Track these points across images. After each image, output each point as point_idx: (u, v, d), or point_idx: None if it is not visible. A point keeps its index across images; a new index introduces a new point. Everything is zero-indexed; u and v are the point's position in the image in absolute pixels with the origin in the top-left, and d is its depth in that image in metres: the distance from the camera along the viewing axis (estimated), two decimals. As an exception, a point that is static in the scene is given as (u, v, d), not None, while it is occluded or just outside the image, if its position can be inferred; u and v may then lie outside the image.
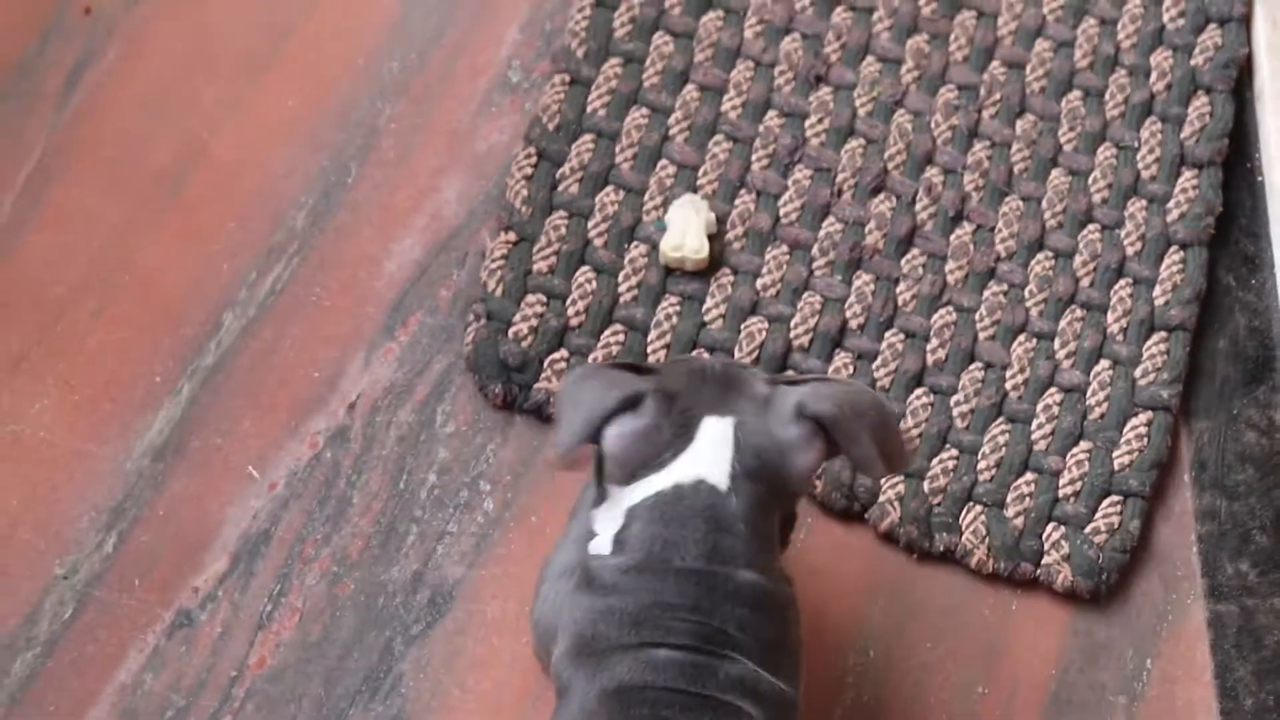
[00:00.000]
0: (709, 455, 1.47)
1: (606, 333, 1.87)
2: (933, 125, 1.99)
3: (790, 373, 1.85)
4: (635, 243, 1.91)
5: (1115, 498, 1.84)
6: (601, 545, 1.49)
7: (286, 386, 1.84)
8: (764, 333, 1.88)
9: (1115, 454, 1.86)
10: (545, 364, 1.85)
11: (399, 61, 2.00)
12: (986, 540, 1.81)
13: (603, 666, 1.43)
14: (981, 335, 1.90)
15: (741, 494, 1.46)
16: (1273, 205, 1.98)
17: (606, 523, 1.50)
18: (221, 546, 1.78)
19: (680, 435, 1.47)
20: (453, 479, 1.82)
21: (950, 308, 1.91)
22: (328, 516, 1.79)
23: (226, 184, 1.93)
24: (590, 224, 1.92)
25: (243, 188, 1.93)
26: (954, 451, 1.85)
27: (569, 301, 1.88)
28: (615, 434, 1.47)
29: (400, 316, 1.88)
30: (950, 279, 1.92)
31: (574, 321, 1.87)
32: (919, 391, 1.87)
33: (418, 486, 1.81)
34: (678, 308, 1.88)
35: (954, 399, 1.87)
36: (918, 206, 1.95)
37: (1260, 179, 2.01)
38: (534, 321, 1.86)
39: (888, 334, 1.89)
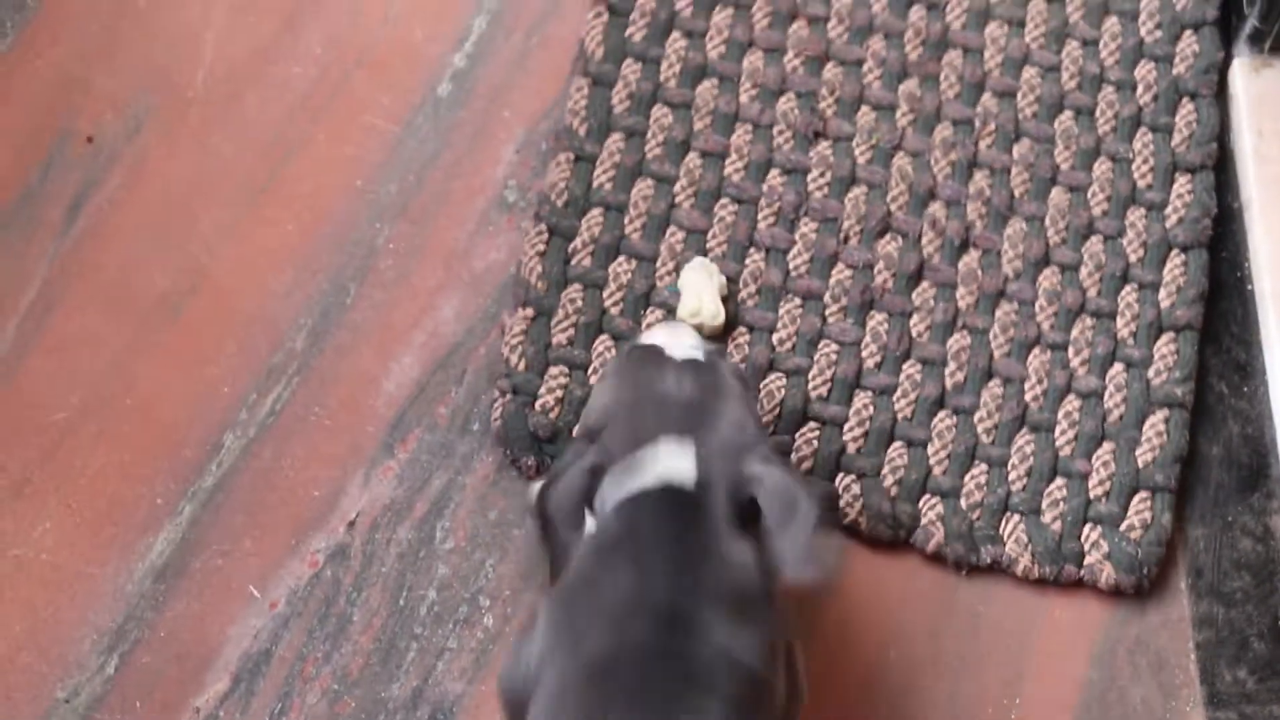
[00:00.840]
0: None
1: None
2: (932, 162, 2.05)
3: None
4: (651, 308, 1.95)
5: (1144, 494, 1.89)
6: None
7: (287, 505, 1.86)
8: (783, 390, 1.92)
9: (1138, 452, 1.91)
10: (574, 433, 1.86)
11: (397, 183, 2.03)
12: (1029, 547, 1.87)
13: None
14: (997, 353, 1.95)
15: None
16: (1263, 313, 2.00)
17: None
18: (223, 666, 1.79)
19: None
20: (453, 595, 1.82)
21: (965, 331, 1.96)
22: (328, 634, 1.80)
23: (226, 307, 1.95)
24: (605, 294, 1.96)
25: (242, 310, 1.95)
26: (984, 466, 1.90)
27: (590, 370, 1.91)
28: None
29: (399, 434, 1.90)
30: (962, 304, 1.97)
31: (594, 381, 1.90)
32: (941, 414, 1.92)
33: (418, 603, 1.82)
34: None
35: (977, 416, 1.92)
36: (924, 241, 2.00)
37: (1250, 287, 2.03)
38: (559, 393, 1.90)
39: (905, 366, 1.95)
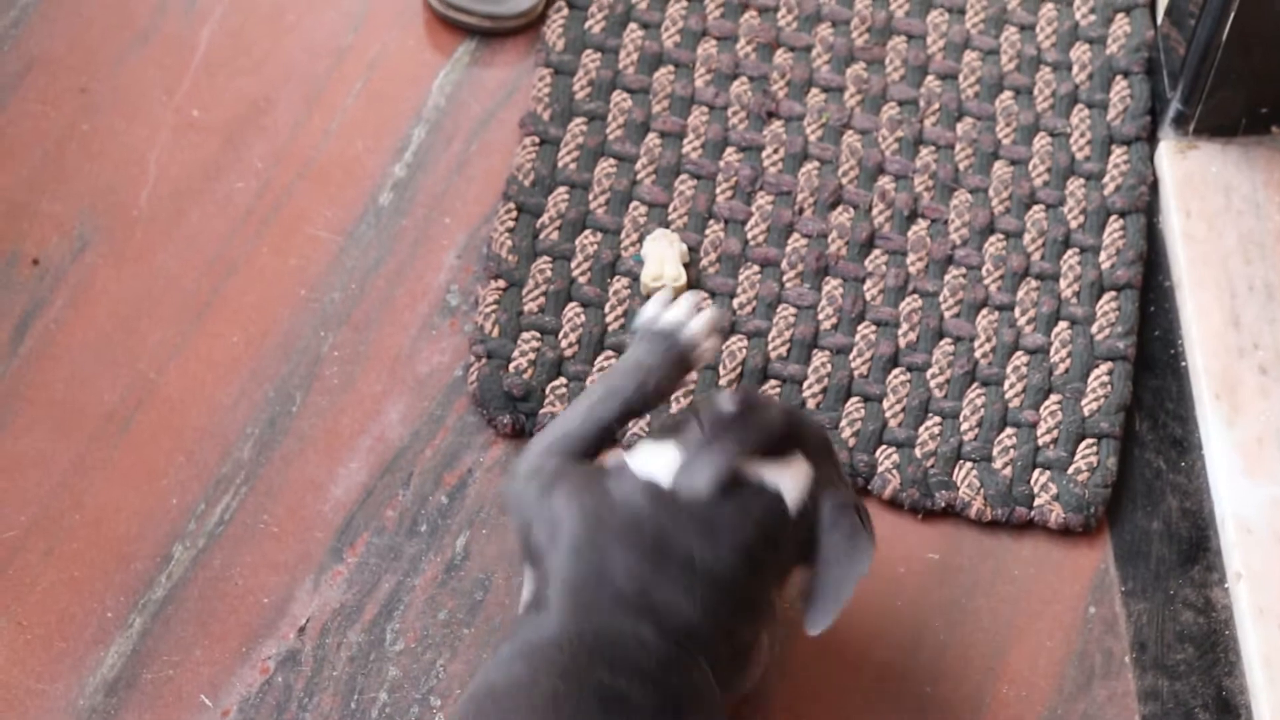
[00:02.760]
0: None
1: (599, 359, 2.01)
2: (880, 140, 2.17)
3: None
4: (617, 276, 2.06)
5: (1090, 440, 1.99)
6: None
7: (237, 614, 1.87)
8: (744, 350, 2.03)
9: (1084, 402, 2.02)
10: (548, 391, 1.98)
11: (341, 292, 2.06)
12: (981, 491, 1.96)
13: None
14: (947, 315, 2.06)
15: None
16: (1196, 389, 2.03)
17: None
18: (176, 776, 1.79)
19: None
20: (404, 696, 1.83)
21: (915, 295, 2.07)
22: (281, 740, 1.81)
23: (174, 420, 1.97)
24: (573, 264, 2.07)
25: (190, 423, 1.97)
26: (937, 419, 2.00)
27: (561, 335, 2.02)
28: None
29: (348, 539, 1.91)
30: (912, 270, 2.09)
31: (568, 352, 2.01)
32: (896, 371, 2.03)
33: (369, 705, 1.83)
34: None
35: (929, 373, 2.03)
36: (874, 212, 2.12)
37: (1183, 364, 2.06)
38: (531, 356, 2.00)
39: (860, 327, 2.05)
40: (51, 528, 1.90)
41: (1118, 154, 2.18)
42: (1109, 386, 2.03)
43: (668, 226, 2.09)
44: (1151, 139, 2.20)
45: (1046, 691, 1.88)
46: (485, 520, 1.93)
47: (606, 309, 2.04)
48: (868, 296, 2.06)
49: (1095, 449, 1.99)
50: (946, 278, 2.09)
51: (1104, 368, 2.04)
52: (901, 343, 2.04)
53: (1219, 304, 2.06)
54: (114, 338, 2.02)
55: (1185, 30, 2.13)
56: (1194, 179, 2.14)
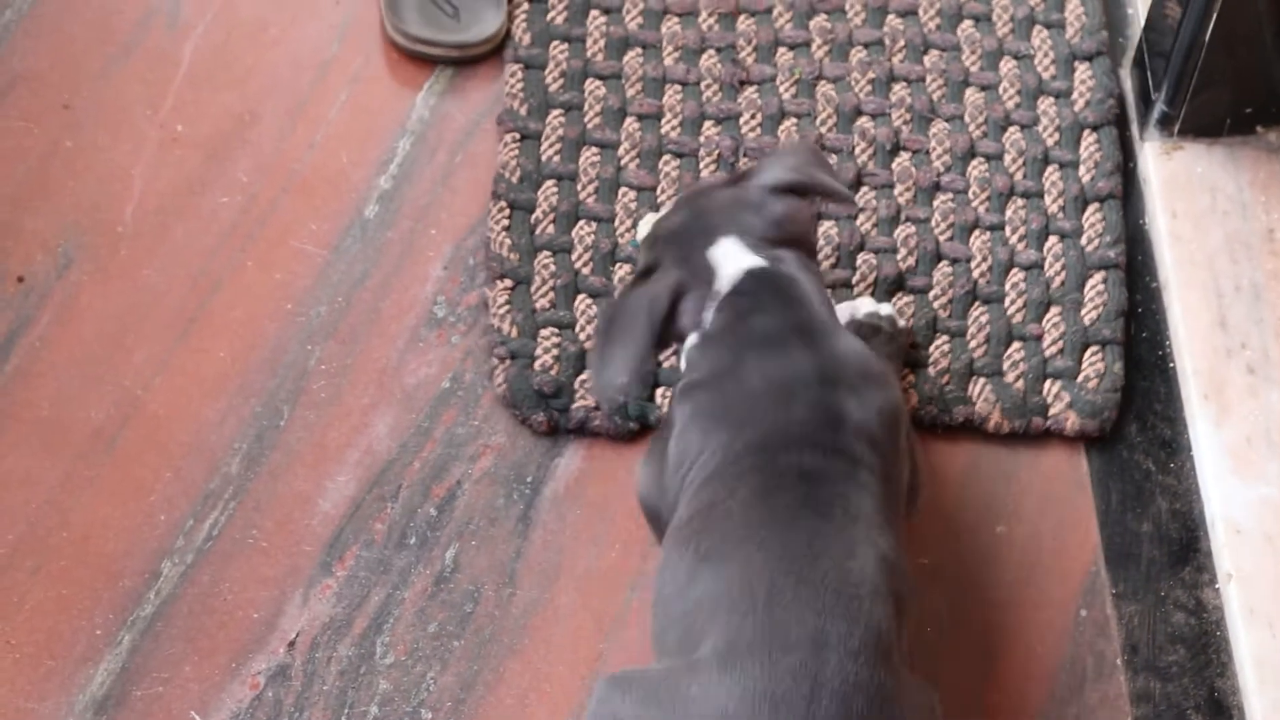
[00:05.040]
0: (734, 268, 1.76)
1: None
2: (852, 83, 2.21)
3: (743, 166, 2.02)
4: (618, 264, 2.08)
5: (1094, 348, 2.05)
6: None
7: (226, 629, 1.86)
8: None
9: (1083, 312, 2.08)
10: (576, 385, 2.00)
11: (327, 305, 2.05)
12: (997, 405, 2.02)
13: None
14: (941, 239, 2.11)
15: (777, 259, 1.77)
16: (1185, 390, 2.03)
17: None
18: (167, 793, 1.79)
19: (707, 278, 1.76)
20: (394, 709, 1.83)
21: (908, 223, 2.12)
22: (271, 756, 1.80)
23: (161, 437, 1.97)
24: (574, 256, 2.09)
25: (177, 439, 1.97)
26: (945, 338, 2.06)
27: (578, 328, 2.04)
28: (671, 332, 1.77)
29: (337, 552, 1.91)
30: (901, 200, 2.14)
31: (588, 345, 2.03)
32: (900, 295, 2.08)
33: (360, 719, 1.82)
34: None
35: (932, 294, 2.08)
36: (857, 151, 2.16)
37: (1172, 365, 2.06)
38: (555, 351, 2.02)
39: (860, 256, 2.10)
40: (39, 546, 1.89)
41: (1082, 70, 2.24)
42: (1105, 295, 2.08)
43: (657, 209, 2.10)
44: (1112, 53, 2.25)
45: (1038, 697, 1.87)
46: (474, 532, 1.93)
47: (615, 297, 2.04)
48: (862, 230, 2.11)
49: (1100, 356, 2.05)
50: (935, 203, 2.14)
51: (1098, 277, 2.10)
52: (902, 267, 2.09)
53: (1206, 304, 2.06)
54: (100, 355, 2.01)
55: (1169, 31, 2.13)
56: (1180, 180, 2.14)
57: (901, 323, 2.01)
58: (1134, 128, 2.20)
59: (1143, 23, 2.20)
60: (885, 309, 1.99)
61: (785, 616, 1.54)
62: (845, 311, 1.98)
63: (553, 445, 1.99)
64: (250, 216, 2.12)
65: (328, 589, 1.89)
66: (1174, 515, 1.98)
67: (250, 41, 2.25)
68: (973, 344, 2.05)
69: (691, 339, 1.76)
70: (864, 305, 1.99)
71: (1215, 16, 2.03)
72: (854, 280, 2.08)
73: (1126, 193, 2.16)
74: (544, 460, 1.98)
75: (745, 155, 2.15)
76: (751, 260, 1.76)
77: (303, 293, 2.07)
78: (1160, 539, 1.96)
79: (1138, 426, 2.03)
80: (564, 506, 1.95)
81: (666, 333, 1.76)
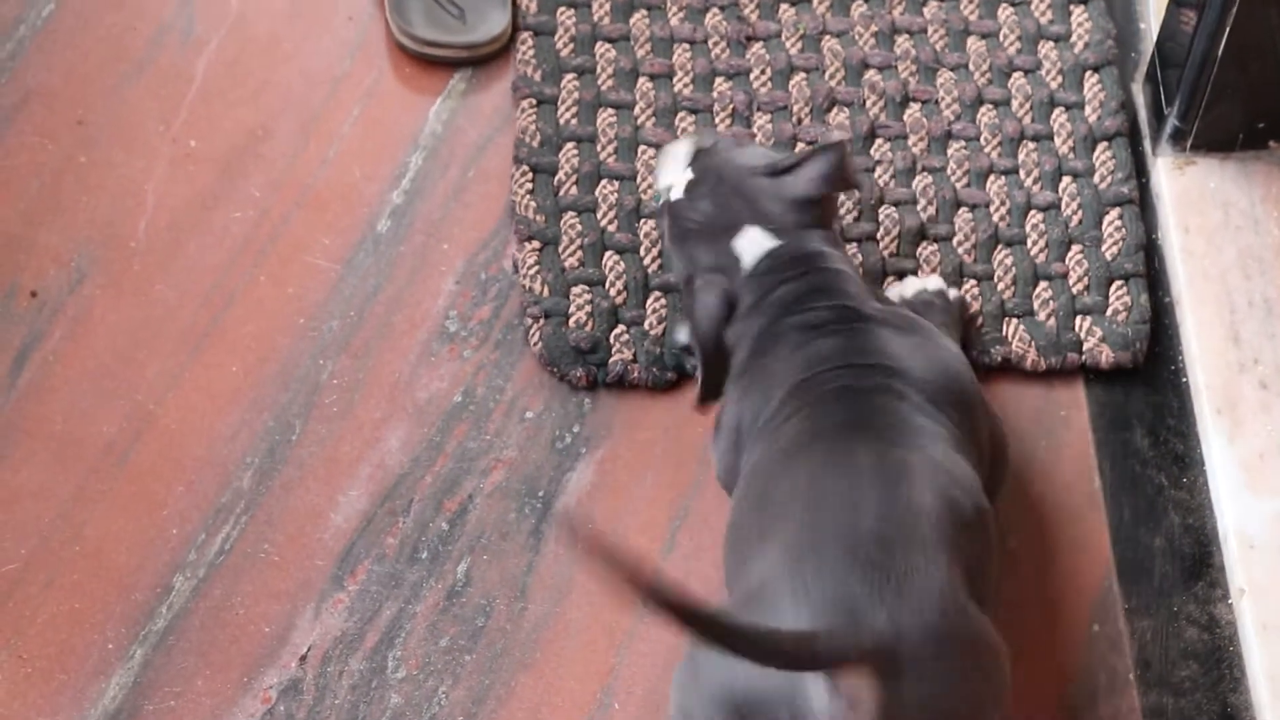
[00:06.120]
0: (756, 252, 1.85)
1: (649, 301, 2.08)
2: (857, 38, 2.25)
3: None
4: (642, 220, 2.12)
5: (1119, 283, 2.11)
6: None
7: (238, 643, 1.86)
8: None
9: (1104, 248, 2.13)
10: (612, 339, 2.04)
11: (339, 319, 2.06)
12: (1032, 344, 2.07)
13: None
14: (959, 186, 2.16)
15: (798, 239, 1.86)
16: (1198, 405, 2.02)
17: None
18: (178, 807, 1.79)
19: (736, 267, 1.85)
20: (406, 724, 1.83)
21: (925, 173, 2.17)
22: (283, 770, 1.80)
23: (173, 451, 1.97)
24: (599, 215, 2.12)
25: (190, 453, 1.97)
26: (973, 282, 2.10)
27: (608, 285, 2.08)
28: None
29: (349, 566, 1.91)
30: (915, 151, 2.18)
31: (619, 300, 2.07)
32: (924, 244, 2.12)
33: (371, 734, 1.83)
34: None
35: (955, 240, 2.12)
36: (867, 104, 2.20)
37: (1184, 380, 2.05)
38: (587, 309, 2.06)
39: (881, 211, 2.14)
40: (51, 560, 1.90)
41: (1078, 14, 2.28)
42: (1123, 230, 2.13)
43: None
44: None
45: (1050, 712, 1.87)
46: (486, 546, 1.93)
47: (643, 253, 2.10)
48: (880, 182, 2.14)
49: (1125, 290, 2.09)
50: (949, 152, 2.18)
51: (1114, 213, 2.14)
52: (924, 217, 2.13)
53: (1219, 319, 2.05)
54: (112, 369, 2.02)
55: (1182, 45, 2.12)
56: (1192, 195, 2.14)
57: (954, 294, 2.03)
58: (1146, 143, 2.20)
59: (1155, 37, 2.20)
60: (933, 283, 2.03)
61: (832, 547, 1.55)
62: (893, 295, 2.01)
63: (564, 459, 1.99)
64: (263, 231, 2.12)
65: (339, 603, 1.89)
66: (1186, 530, 1.97)
67: (263, 57, 2.25)
68: (1001, 286, 2.10)
69: None
70: (910, 285, 2.03)
71: (1229, 30, 2.02)
72: (878, 234, 2.12)
73: (1141, 205, 2.17)
74: (555, 475, 1.98)
75: (759, 109, 2.19)
76: (771, 243, 1.84)
77: (315, 307, 2.07)
78: (1173, 554, 1.96)
79: (1150, 441, 2.02)
80: (576, 521, 1.95)
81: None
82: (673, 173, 1.94)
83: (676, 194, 1.91)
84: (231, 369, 2.03)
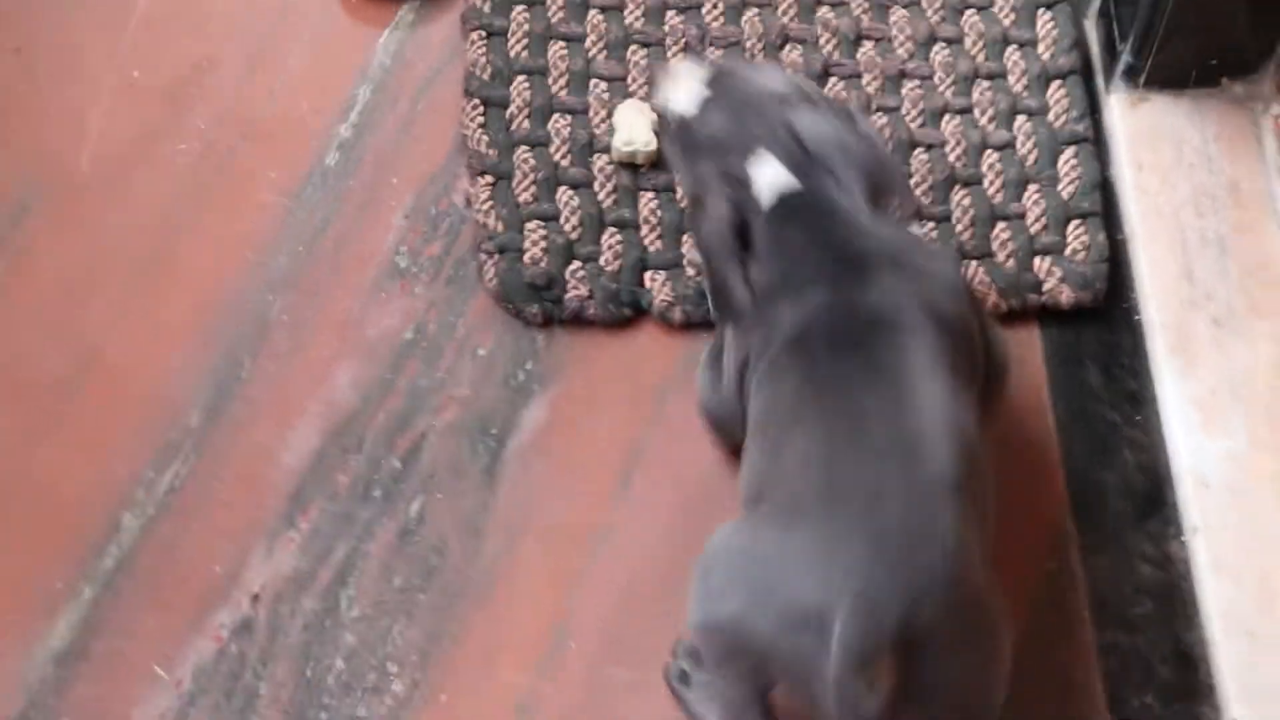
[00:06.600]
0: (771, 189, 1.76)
1: (605, 237, 2.04)
2: None
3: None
4: (596, 155, 2.09)
5: (1077, 221, 2.09)
6: None
7: (188, 583, 1.84)
8: None
9: (1060, 187, 2.11)
10: (567, 275, 2.01)
11: (288, 255, 2.03)
12: (993, 286, 2.05)
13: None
14: (913, 126, 2.14)
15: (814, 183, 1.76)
16: (1151, 342, 2.02)
17: None
18: (130, 748, 1.77)
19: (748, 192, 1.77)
20: (360, 663, 1.81)
21: (879, 112, 2.14)
22: (236, 710, 1.79)
23: (121, 387, 1.94)
24: (552, 149, 2.09)
25: (137, 390, 1.94)
26: (931, 224, 2.09)
27: (562, 220, 2.05)
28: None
29: (300, 505, 1.89)
30: (870, 89, 2.16)
31: (574, 235, 2.04)
32: None
33: (325, 673, 1.81)
34: (656, 201, 2.07)
35: (913, 182, 2.11)
36: (821, 42, 2.18)
37: (1137, 318, 2.05)
38: (542, 244, 2.03)
39: None
40: (-2, 498, 1.87)
41: None
42: (1078, 169, 2.12)
43: (629, 98, 2.12)
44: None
45: (1005, 648, 1.87)
46: (439, 485, 1.91)
47: (596, 188, 2.07)
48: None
49: (1083, 228, 2.08)
50: (904, 91, 2.16)
51: (1069, 152, 2.13)
52: None
53: (1172, 257, 2.05)
54: (58, 305, 1.99)
55: (1135, -18, 2.12)
56: (1145, 132, 2.13)
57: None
58: (1099, 80, 2.19)
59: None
60: None
61: (841, 473, 1.57)
62: None
63: (518, 396, 1.97)
64: (209, 164, 2.09)
65: (291, 542, 1.87)
66: (1140, 468, 1.97)
67: (208, -15, 2.22)
68: (959, 228, 2.08)
69: None
70: None
71: (1184, -32, 2.02)
72: None
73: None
74: (509, 412, 1.96)
75: (712, 44, 2.17)
76: (791, 183, 1.76)
77: (264, 242, 2.04)
78: (1126, 492, 1.96)
79: (1103, 379, 2.02)
80: (530, 459, 1.94)
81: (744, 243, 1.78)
82: (686, 89, 1.86)
83: (690, 110, 1.83)
84: (179, 305, 2.00)
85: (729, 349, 1.78)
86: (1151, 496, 1.96)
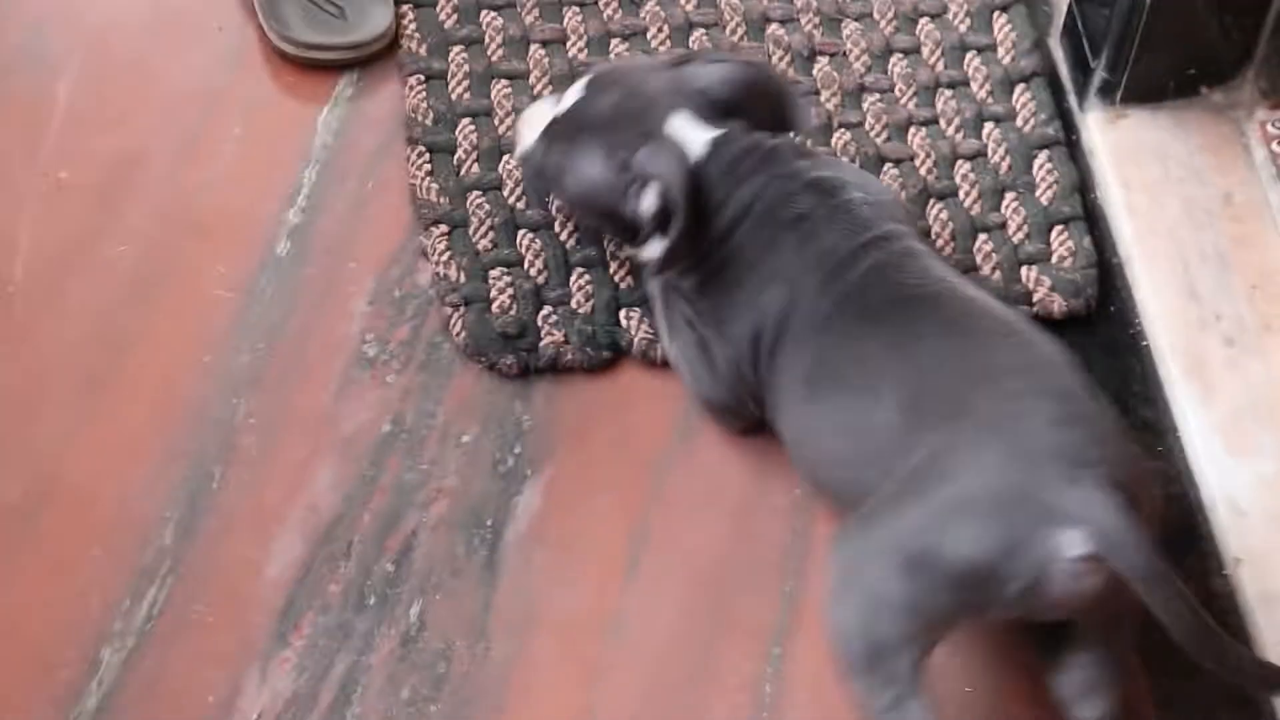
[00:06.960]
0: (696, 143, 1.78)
1: (573, 278, 1.97)
2: None
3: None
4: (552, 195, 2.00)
5: (1059, 227, 2.03)
6: None
7: (179, 715, 1.71)
8: None
9: (1038, 193, 2.06)
10: (539, 321, 1.93)
11: (247, 353, 1.92)
12: None
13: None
14: (879, 140, 2.08)
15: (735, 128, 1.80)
16: (1163, 368, 1.94)
17: None
18: None
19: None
20: (375, 786, 1.70)
21: (842, 130, 2.09)
22: None
23: (84, 511, 1.82)
24: (506, 192, 2.02)
25: (102, 512, 1.82)
26: None
27: (526, 264, 1.97)
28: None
29: (291, 621, 1.77)
30: (830, 106, 2.11)
31: (540, 279, 1.96)
32: None
33: (339, 801, 1.69)
34: None
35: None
36: (774, 59, 2.13)
37: (1145, 344, 1.97)
38: (509, 291, 1.95)
39: None
40: (-38, 642, 1.74)
41: None
42: (1054, 172, 2.06)
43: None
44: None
45: (1048, 707, 1.77)
46: (438, 585, 1.80)
47: (557, 228, 1.99)
48: (796, 141, 2.00)
49: (1067, 233, 2.02)
50: (865, 106, 2.11)
51: (1042, 156, 2.08)
52: None
53: (1173, 276, 1.98)
54: (5, 427, 1.86)
55: (1103, -3, 2.05)
56: (1128, 149, 2.07)
57: None
58: (1071, 99, 2.13)
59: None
60: None
61: (939, 386, 1.62)
62: None
63: (509, 483, 1.86)
64: (152, 264, 1.98)
65: (286, 662, 1.75)
66: (1169, 501, 1.88)
67: (129, 76, 2.13)
68: (940, 242, 2.02)
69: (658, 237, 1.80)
70: None
71: (1159, -24, 1.95)
72: None
73: (1072, 158, 2.10)
74: (502, 501, 1.85)
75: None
76: (710, 131, 1.79)
77: (220, 341, 1.93)
78: (1160, 529, 1.86)
79: (1118, 411, 1.93)
80: (529, 548, 1.83)
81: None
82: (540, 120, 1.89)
83: (575, 100, 1.85)
84: (136, 417, 1.88)
85: (722, 327, 1.78)
86: (1186, 530, 1.87)
